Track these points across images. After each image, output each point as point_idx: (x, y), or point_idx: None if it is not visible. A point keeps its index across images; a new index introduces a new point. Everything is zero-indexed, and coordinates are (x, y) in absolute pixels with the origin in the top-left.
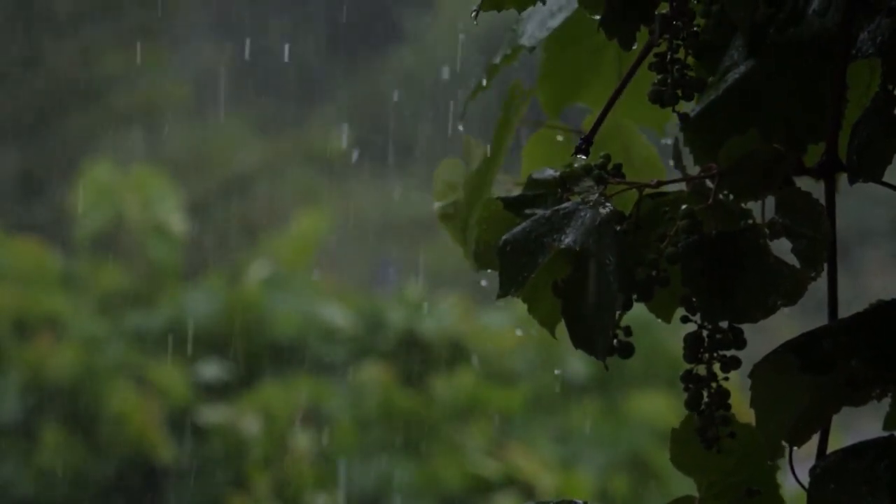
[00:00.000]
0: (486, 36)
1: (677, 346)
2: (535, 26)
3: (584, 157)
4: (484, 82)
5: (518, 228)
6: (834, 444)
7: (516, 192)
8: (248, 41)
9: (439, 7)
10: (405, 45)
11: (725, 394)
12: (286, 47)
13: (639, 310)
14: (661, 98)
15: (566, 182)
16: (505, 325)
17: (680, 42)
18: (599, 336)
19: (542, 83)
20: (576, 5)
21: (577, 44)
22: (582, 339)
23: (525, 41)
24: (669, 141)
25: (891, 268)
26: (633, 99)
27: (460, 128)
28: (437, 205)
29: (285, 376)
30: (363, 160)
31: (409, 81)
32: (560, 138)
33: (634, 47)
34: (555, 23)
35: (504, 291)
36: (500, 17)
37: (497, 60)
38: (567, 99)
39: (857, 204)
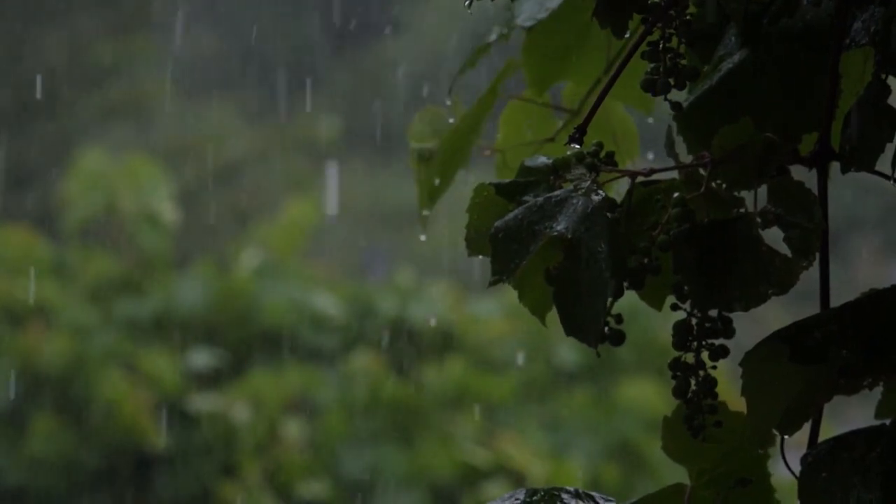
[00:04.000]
0: (478, 24)
1: (668, 335)
2: (534, 6)
3: (577, 145)
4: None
5: (510, 215)
6: (825, 434)
7: (493, 156)
8: (238, 30)
9: None
10: (396, 33)
11: (713, 382)
12: (276, 36)
13: (629, 298)
14: (654, 87)
15: (558, 169)
16: (495, 313)
17: (673, 31)
18: (591, 324)
19: (528, 61)
20: None
21: (564, 21)
22: (573, 327)
23: (522, 21)
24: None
25: (882, 256)
26: (619, 81)
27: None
28: (413, 145)
29: (275, 364)
30: (353, 148)
31: (400, 70)
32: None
33: (626, 35)
34: (553, 4)
35: (495, 278)
36: (493, 6)
37: (491, 39)
38: (553, 77)
39: (849, 193)
